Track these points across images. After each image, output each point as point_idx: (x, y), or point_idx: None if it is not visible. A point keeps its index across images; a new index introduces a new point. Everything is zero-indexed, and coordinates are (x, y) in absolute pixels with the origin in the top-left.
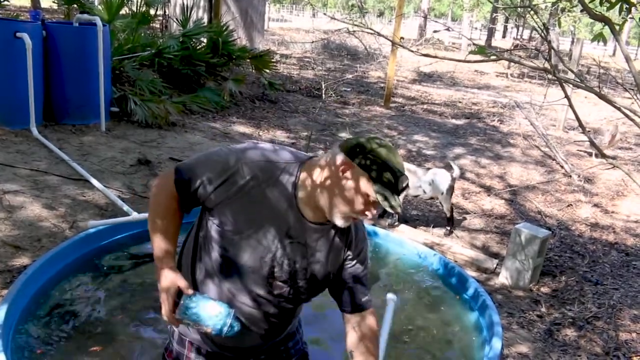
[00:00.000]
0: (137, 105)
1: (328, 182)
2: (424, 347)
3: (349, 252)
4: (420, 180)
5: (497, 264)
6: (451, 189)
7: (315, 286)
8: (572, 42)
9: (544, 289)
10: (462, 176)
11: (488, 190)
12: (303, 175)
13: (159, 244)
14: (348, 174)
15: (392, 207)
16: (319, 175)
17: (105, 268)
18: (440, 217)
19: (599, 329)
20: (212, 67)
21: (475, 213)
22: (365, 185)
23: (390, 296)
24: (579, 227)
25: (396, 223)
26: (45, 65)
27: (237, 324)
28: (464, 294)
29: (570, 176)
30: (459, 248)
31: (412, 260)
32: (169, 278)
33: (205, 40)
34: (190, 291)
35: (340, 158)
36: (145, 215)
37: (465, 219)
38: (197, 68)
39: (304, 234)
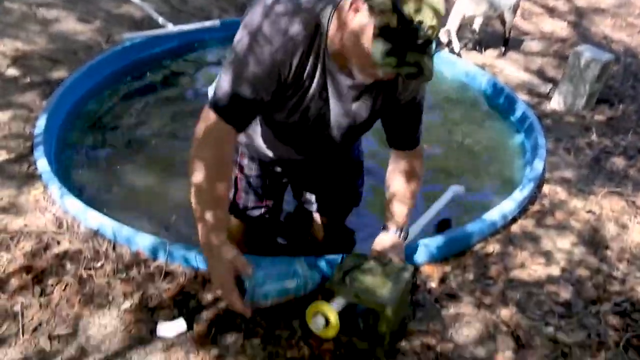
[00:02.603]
0: None
1: (342, 24)
2: (463, 163)
3: (399, 96)
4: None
5: (551, 89)
6: (517, 5)
7: (364, 127)
8: None
9: (598, 117)
10: None
11: (551, 11)
12: (333, 24)
13: (205, 234)
14: (357, 16)
15: (404, 65)
16: (342, 17)
17: (141, 81)
18: (493, 37)
19: None
20: None
21: (534, 35)
22: (369, 35)
23: (455, 187)
24: None
25: (459, 52)
26: None
27: (307, 269)
28: (511, 115)
29: None
30: (512, 70)
31: (461, 80)
32: (219, 275)
33: None
34: (250, 270)
35: None
36: (181, 27)
37: (522, 40)
38: None
39: (342, 89)
